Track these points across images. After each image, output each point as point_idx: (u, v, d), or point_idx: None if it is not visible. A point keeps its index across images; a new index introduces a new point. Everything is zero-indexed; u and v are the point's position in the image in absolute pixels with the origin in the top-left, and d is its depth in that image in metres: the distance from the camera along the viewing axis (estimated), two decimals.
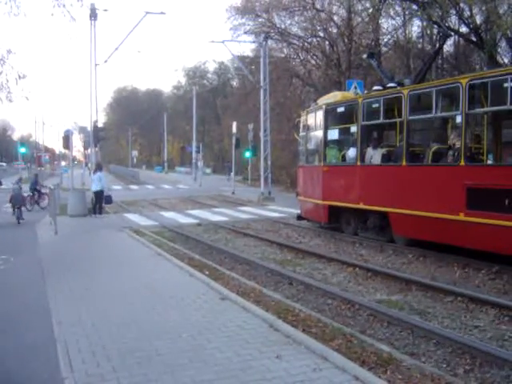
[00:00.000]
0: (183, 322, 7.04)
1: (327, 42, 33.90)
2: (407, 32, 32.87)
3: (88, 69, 23.48)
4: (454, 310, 8.27)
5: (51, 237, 15.65)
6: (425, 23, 28.85)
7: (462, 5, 25.44)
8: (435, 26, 27.42)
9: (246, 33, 35.15)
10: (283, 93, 35.16)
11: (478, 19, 27.34)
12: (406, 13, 30.00)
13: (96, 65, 23.19)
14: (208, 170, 58.89)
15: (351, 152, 15.13)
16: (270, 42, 32.13)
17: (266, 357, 5.72)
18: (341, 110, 15.89)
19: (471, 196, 10.97)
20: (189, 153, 66.15)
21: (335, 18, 32.73)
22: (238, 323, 6.91)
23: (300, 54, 36.65)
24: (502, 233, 10.22)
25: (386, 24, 32.99)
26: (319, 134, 16.60)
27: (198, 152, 52.88)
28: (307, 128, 17.80)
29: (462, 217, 11.12)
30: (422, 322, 7.49)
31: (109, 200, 21.83)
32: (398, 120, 13.45)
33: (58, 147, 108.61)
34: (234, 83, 71.17)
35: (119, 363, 5.61)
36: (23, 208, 20.69)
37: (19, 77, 11.75)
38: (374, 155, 14.39)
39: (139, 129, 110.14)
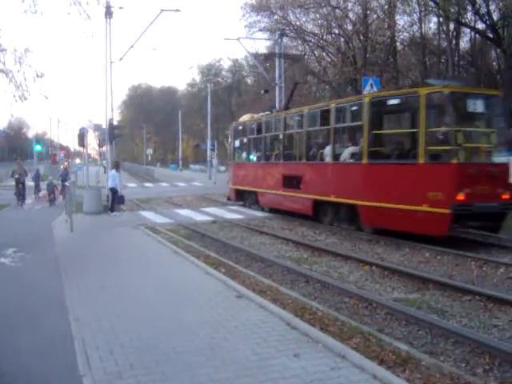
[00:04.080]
0: (200, 320, 7.04)
1: (343, 39, 33.77)
2: (423, 28, 32.66)
3: (103, 67, 23.60)
4: (472, 309, 8.19)
5: (67, 234, 15.74)
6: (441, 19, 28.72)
7: (478, 1, 25.24)
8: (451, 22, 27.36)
9: (261, 30, 35.11)
10: (298, 90, 35.05)
11: (495, 16, 27.14)
12: (422, 9, 29.80)
13: (111, 62, 23.28)
14: (222, 168, 58.87)
15: (326, 150, 17.24)
16: (285, 39, 32.00)
17: (284, 355, 5.70)
18: (254, 125, 23.31)
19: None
20: (203, 150, 66.13)
21: (350, 14, 32.59)
22: (255, 321, 6.90)
23: (315, 51, 36.51)
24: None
25: (401, 21, 32.81)
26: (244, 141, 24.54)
27: (212, 150, 52.83)
28: (233, 137, 25.56)
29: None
30: (440, 321, 7.42)
31: (121, 200, 21.86)
32: (278, 133, 20.63)
33: (72, 145, 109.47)
34: (249, 81, 71.07)
35: (137, 361, 5.61)
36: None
37: (37, 75, 11.79)
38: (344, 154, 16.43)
39: (154, 126, 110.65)
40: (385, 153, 15.37)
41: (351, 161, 15.96)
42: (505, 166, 13.42)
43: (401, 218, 13.87)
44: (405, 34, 33.21)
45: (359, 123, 15.25)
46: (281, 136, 20.27)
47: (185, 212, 22.44)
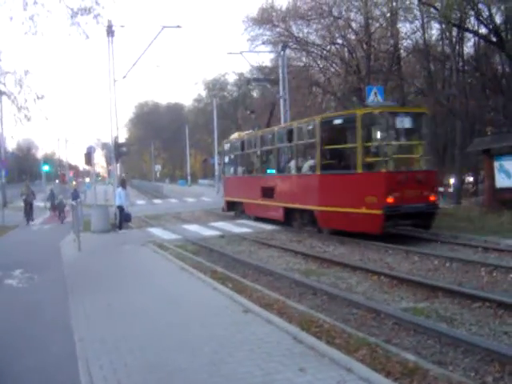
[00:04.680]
0: (205, 335, 6.97)
1: (346, 49, 33.76)
2: (426, 35, 32.58)
3: (107, 85, 23.70)
4: (482, 316, 8.07)
5: (75, 253, 15.73)
6: (443, 26, 28.65)
7: (480, 6, 25.17)
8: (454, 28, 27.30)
9: (263, 43, 35.14)
10: (303, 102, 35.05)
11: (498, 19, 27.06)
12: (424, 16, 29.77)
13: (115, 81, 23.36)
14: None
15: (291, 164, 20.00)
16: (288, 51, 32.04)
17: (290, 369, 5.61)
18: (238, 143, 25.89)
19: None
20: (211, 165, 66.20)
21: (353, 24, 32.56)
22: (261, 336, 6.82)
23: (319, 62, 36.50)
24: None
25: (404, 28, 32.76)
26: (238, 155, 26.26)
27: (220, 164, 52.83)
28: (223, 153, 28.62)
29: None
30: (449, 330, 7.32)
31: (128, 218, 21.87)
32: (256, 150, 23.45)
33: (81, 164, 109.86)
34: (255, 94, 71.16)
35: (140, 380, 5.56)
36: None
37: (37, 97, 11.86)
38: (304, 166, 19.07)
39: (162, 143, 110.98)
40: (333, 165, 17.50)
41: (309, 172, 18.39)
42: (431, 172, 16.63)
43: (347, 220, 16.41)
44: (408, 41, 33.17)
45: (313, 140, 17.96)
46: (258, 152, 23.27)
47: (193, 227, 22.40)
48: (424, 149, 16.88)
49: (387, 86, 27.64)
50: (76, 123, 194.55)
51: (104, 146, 26.56)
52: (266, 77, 35.40)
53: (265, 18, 35.03)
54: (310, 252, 14.81)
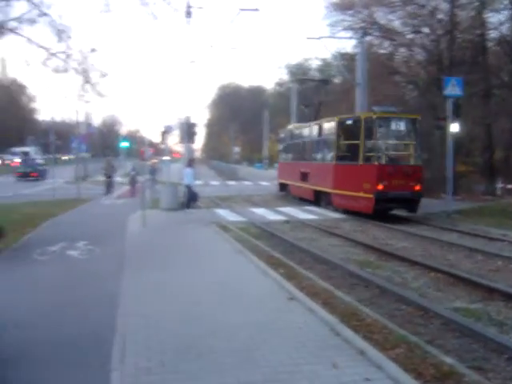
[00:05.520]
0: (244, 320, 6.98)
1: (429, 38, 32.68)
2: None
3: (187, 66, 24.03)
4: None
5: (139, 229, 16.10)
6: None
7: None
8: None
9: (344, 29, 34.43)
10: (382, 90, 34.26)
11: None
12: None
13: (191, 61, 23.64)
14: None
15: (319, 154, 25.01)
16: (369, 37, 31.40)
17: (319, 362, 5.55)
18: (288, 133, 31.55)
19: None
20: None
21: (438, 12, 31.44)
22: (300, 325, 6.77)
23: (401, 50, 35.56)
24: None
25: (492, 18, 31.32)
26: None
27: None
28: (288, 137, 31.10)
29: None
30: (497, 335, 7.01)
31: (194, 197, 22.11)
32: (298, 140, 28.43)
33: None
34: (337, 80, 70.29)
35: (170, 359, 5.63)
36: None
37: (102, 75, 12.16)
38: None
39: (241, 125, 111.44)
40: (345, 157, 21.71)
41: (329, 162, 22.82)
42: (417, 167, 20.41)
43: (351, 201, 20.77)
44: (495, 32, 31.69)
45: (333, 136, 22.41)
46: (299, 142, 28.07)
47: (260, 211, 22.47)
48: (414, 148, 20.61)
49: (469, 78, 26.49)
50: (159, 102, 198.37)
51: (180, 125, 26.76)
52: (321, 78, 35.22)
53: (347, 4, 34.36)
54: (371, 243, 14.53)
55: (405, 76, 35.98)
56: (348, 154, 21.38)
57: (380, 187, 19.14)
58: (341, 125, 21.95)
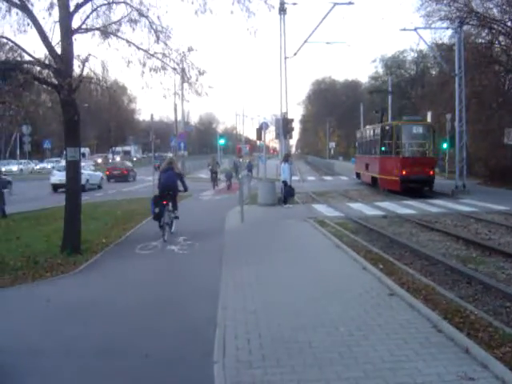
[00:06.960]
0: (344, 315, 6.94)
1: None
2: None
3: (278, 62, 24.07)
4: None
5: (237, 224, 16.35)
6: None
7: None
8: None
9: (440, 19, 33.32)
10: (481, 81, 32.99)
11: None
12: None
13: (286, 58, 23.67)
14: None
15: (373, 149, 34.23)
16: (466, 27, 30.29)
17: (422, 359, 5.41)
18: (360, 133, 40.99)
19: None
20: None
21: None
22: (401, 321, 6.64)
23: (500, 39, 34.06)
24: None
25: None
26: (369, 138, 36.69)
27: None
28: (360, 137, 39.75)
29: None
30: None
31: (291, 193, 22.14)
32: (366, 139, 36.64)
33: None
34: (434, 72, 68.23)
35: (270, 352, 5.68)
36: None
37: (199, 73, 12.35)
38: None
39: (337, 120, 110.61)
40: (386, 151, 29.34)
41: (377, 156, 31.05)
42: (432, 158, 28.91)
43: (388, 182, 28.42)
44: None
45: (379, 137, 30.79)
46: (366, 140, 36.05)
47: (356, 206, 22.26)
48: (429, 145, 28.05)
49: None
50: (255, 100, 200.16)
51: (275, 121, 27.03)
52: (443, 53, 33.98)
53: None
54: (473, 238, 14.00)
55: (505, 65, 34.49)
56: (387, 150, 29.12)
57: (404, 172, 26.64)
58: (383, 129, 30.33)
